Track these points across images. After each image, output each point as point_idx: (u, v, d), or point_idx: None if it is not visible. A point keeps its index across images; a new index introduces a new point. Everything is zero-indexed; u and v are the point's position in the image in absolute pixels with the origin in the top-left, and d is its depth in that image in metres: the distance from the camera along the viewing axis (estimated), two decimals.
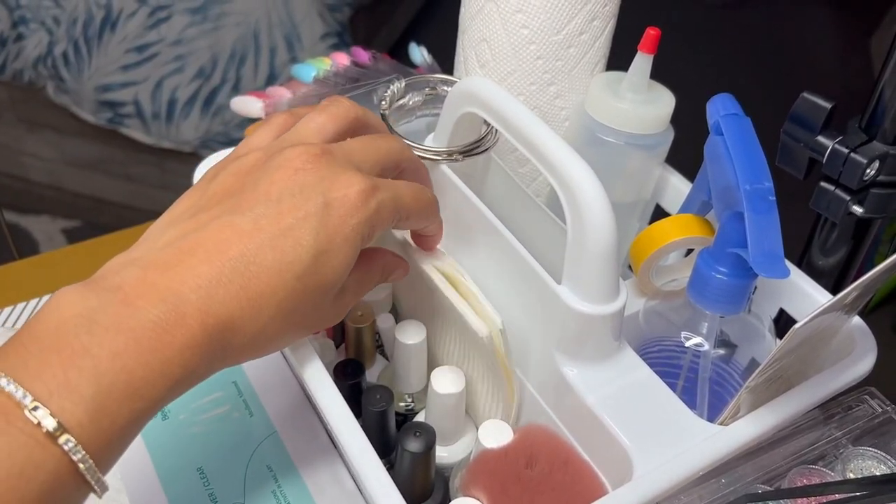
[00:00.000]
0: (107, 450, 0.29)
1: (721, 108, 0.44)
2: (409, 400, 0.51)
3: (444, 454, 0.47)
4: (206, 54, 1.42)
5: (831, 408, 0.48)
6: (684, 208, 0.50)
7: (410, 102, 0.52)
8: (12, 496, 0.26)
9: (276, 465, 0.47)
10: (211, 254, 0.32)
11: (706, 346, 0.45)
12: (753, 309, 0.46)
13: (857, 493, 0.40)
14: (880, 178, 0.47)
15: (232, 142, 1.55)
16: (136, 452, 0.47)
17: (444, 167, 0.47)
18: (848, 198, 0.47)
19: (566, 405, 0.42)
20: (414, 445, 0.42)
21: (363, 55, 0.55)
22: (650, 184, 0.53)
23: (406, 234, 0.46)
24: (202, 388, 0.51)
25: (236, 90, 1.45)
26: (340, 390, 0.45)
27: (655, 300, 0.49)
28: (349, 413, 0.39)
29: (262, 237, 0.33)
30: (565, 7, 0.48)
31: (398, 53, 0.59)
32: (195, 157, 1.53)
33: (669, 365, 0.46)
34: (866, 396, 0.48)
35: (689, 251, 0.52)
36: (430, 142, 0.49)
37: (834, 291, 0.47)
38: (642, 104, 0.48)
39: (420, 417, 0.50)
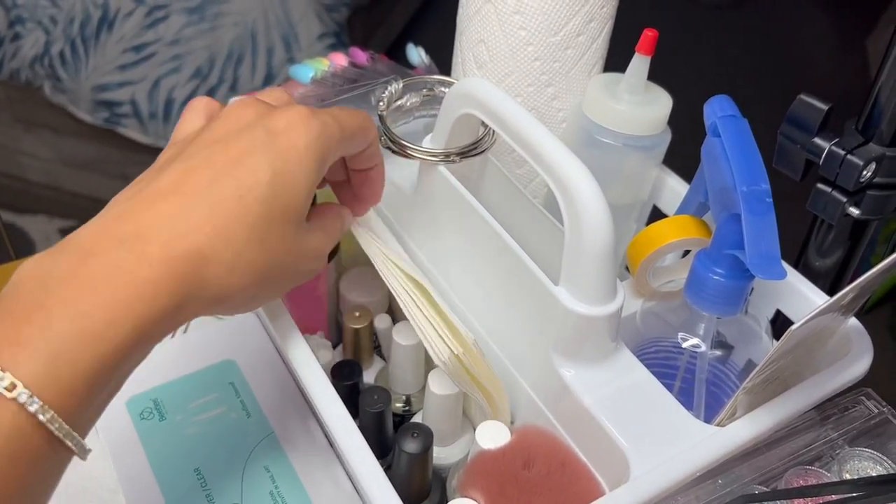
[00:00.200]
0: (72, 400, 0.28)
1: (718, 110, 0.44)
2: (407, 400, 0.51)
3: (442, 455, 0.47)
4: (203, 54, 1.42)
5: (828, 409, 0.48)
6: (681, 210, 0.50)
7: (408, 103, 0.52)
8: None
9: (274, 466, 0.47)
10: (167, 194, 0.32)
11: (703, 347, 0.45)
12: (750, 310, 0.46)
13: (854, 494, 0.40)
14: (877, 179, 0.47)
15: None
16: (133, 453, 0.47)
17: (442, 168, 0.47)
18: (844, 199, 0.47)
19: (563, 406, 0.43)
20: (411, 446, 0.42)
21: (361, 56, 0.55)
22: (647, 185, 0.54)
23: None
24: (199, 388, 0.51)
25: (233, 90, 1.45)
26: (338, 391, 0.45)
27: (652, 301, 0.49)
28: (347, 414, 0.39)
29: (215, 170, 0.33)
30: (563, 8, 0.48)
31: (396, 54, 0.59)
32: None
33: (666, 366, 0.46)
34: (862, 398, 0.48)
35: (686, 252, 0.52)
36: (427, 143, 0.49)
37: (831, 293, 0.47)
38: (639, 105, 0.48)
39: (417, 418, 0.50)
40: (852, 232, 0.50)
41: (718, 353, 0.46)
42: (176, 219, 0.32)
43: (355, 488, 0.46)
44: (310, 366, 0.41)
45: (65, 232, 1.46)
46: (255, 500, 0.45)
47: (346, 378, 0.47)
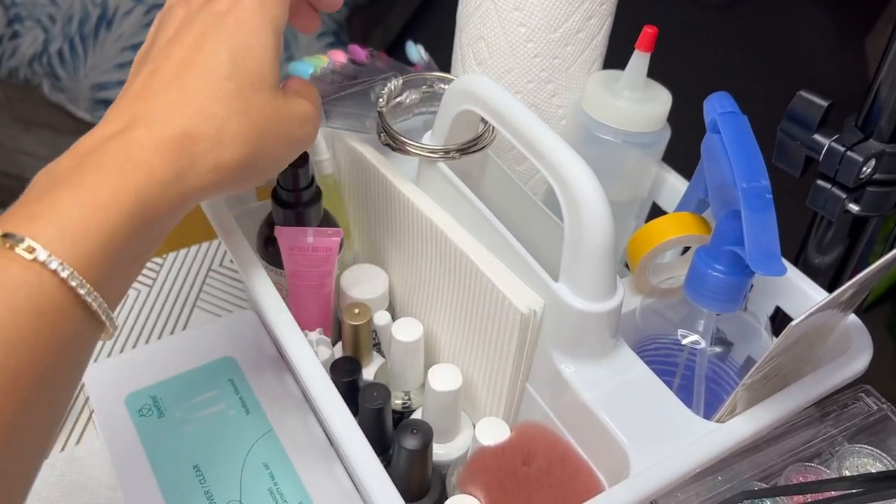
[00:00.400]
0: (89, 262, 0.30)
1: (718, 106, 0.44)
2: (406, 397, 0.50)
3: (441, 451, 0.47)
4: None
5: (827, 405, 0.48)
6: (681, 206, 0.50)
7: (408, 100, 0.52)
8: (9, 319, 0.28)
9: (273, 462, 0.47)
10: (143, 96, 0.35)
11: (703, 344, 0.45)
12: (750, 307, 0.46)
13: (853, 491, 0.40)
14: (876, 176, 0.47)
15: None
16: (132, 450, 0.47)
17: (441, 165, 0.47)
18: (844, 196, 0.47)
19: (563, 403, 0.43)
20: (411, 443, 0.42)
21: (360, 53, 0.55)
22: (647, 182, 0.54)
23: None
24: (198, 385, 0.51)
25: None
26: (337, 388, 0.45)
27: (652, 298, 0.49)
28: (346, 410, 0.39)
29: (177, 63, 0.36)
30: (562, 5, 0.48)
31: (395, 51, 0.59)
32: None
33: (666, 362, 0.46)
34: (862, 394, 0.49)
35: (686, 249, 0.52)
36: (427, 140, 0.49)
37: (830, 289, 0.47)
38: (639, 102, 0.48)
39: (417, 415, 0.50)
40: (852, 228, 0.50)
41: (718, 349, 0.46)
42: (156, 110, 0.34)
43: (355, 485, 0.46)
44: (309, 362, 0.41)
45: None
46: (254, 497, 0.45)
47: (345, 375, 0.47)
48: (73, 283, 0.29)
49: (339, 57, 0.54)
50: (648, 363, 0.43)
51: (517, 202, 0.48)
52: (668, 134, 0.51)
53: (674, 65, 0.53)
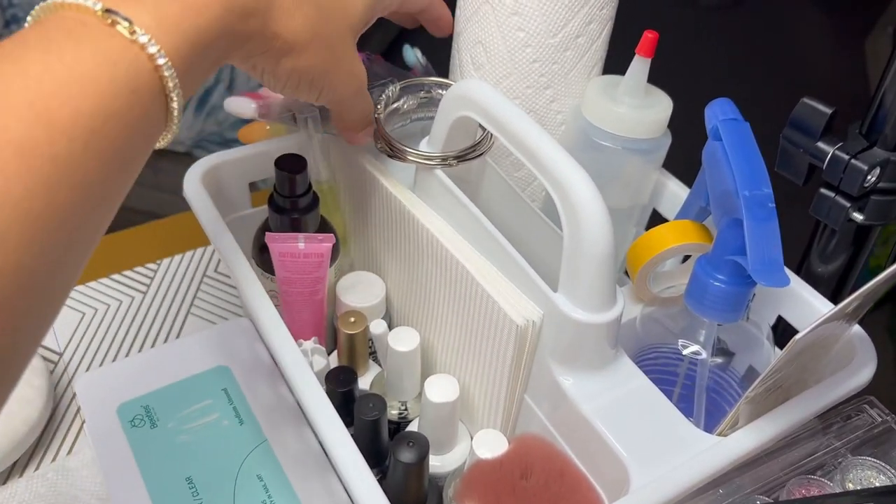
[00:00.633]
0: (177, 57, 0.31)
1: (719, 113, 0.43)
2: (403, 407, 0.50)
3: (438, 463, 0.47)
4: None
5: (830, 417, 0.47)
6: (682, 214, 0.49)
7: (405, 106, 0.51)
8: (107, 89, 0.29)
9: (267, 474, 0.46)
10: None
11: (704, 355, 0.44)
12: (752, 316, 0.45)
13: None
14: (881, 184, 0.47)
15: (226, 142, 1.54)
16: (123, 461, 0.46)
17: (439, 172, 0.46)
18: (848, 205, 0.47)
19: (562, 415, 0.42)
20: (407, 456, 0.41)
21: None
22: (647, 189, 0.53)
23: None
24: (191, 395, 0.50)
25: (230, 90, 1.44)
26: (332, 398, 0.45)
27: (653, 307, 0.48)
28: (340, 423, 0.39)
29: None
30: (562, 10, 0.47)
31: (392, 55, 0.58)
32: (189, 158, 1.51)
33: (666, 372, 0.46)
34: (865, 405, 0.48)
35: (687, 257, 0.51)
36: (424, 146, 0.48)
37: (833, 298, 0.46)
38: (639, 108, 0.48)
39: (414, 425, 0.49)
40: (856, 237, 0.49)
41: (719, 360, 0.45)
42: None
43: (350, 498, 0.46)
44: (302, 373, 0.40)
45: None
46: None
47: (340, 385, 0.46)
48: (166, 73, 0.31)
49: None
50: (648, 373, 0.43)
51: (516, 210, 0.47)
52: (668, 140, 0.50)
53: (675, 69, 0.53)
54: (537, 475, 0.40)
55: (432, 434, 0.45)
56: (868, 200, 0.47)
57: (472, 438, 0.44)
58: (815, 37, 0.84)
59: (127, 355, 0.61)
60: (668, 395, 0.43)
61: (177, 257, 0.70)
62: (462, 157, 0.46)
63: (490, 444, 0.43)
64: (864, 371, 0.43)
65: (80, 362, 0.60)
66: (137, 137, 0.31)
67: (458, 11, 0.52)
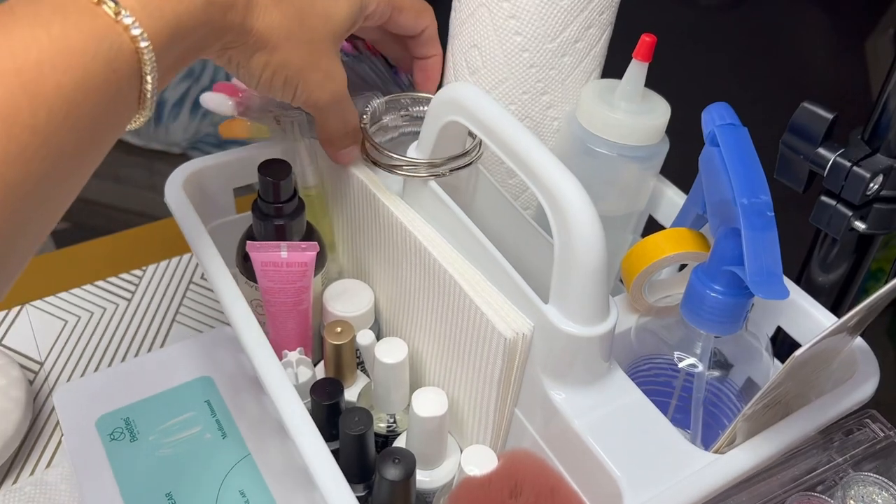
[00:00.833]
0: (157, 40, 0.32)
1: (717, 118, 0.42)
2: (392, 419, 0.48)
3: (427, 478, 0.45)
4: None
5: (831, 431, 0.46)
6: (678, 221, 0.48)
7: (391, 125, 0.50)
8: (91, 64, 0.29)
9: (250, 490, 0.45)
10: None
11: (700, 368, 0.43)
12: (750, 327, 0.44)
13: None
14: (884, 192, 0.45)
15: (220, 144, 1.53)
16: (101, 476, 0.45)
17: (431, 181, 0.45)
18: (850, 213, 0.45)
19: (553, 430, 0.40)
20: (392, 473, 0.39)
21: (345, 45, 0.53)
22: (644, 196, 0.51)
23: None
24: (173, 407, 0.49)
25: None
26: (317, 410, 0.43)
27: (648, 317, 0.47)
28: (321, 442, 0.37)
29: None
30: (560, 14, 0.46)
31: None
32: (184, 159, 1.50)
33: (661, 384, 0.44)
34: (867, 420, 0.46)
35: (683, 266, 0.50)
36: (412, 151, 0.46)
37: (834, 309, 0.45)
38: (636, 114, 0.46)
39: (403, 438, 0.47)
40: (857, 247, 0.48)
41: (717, 373, 0.44)
42: None
43: None
44: (282, 386, 0.39)
45: (56, 234, 1.44)
46: None
47: (326, 397, 0.45)
48: (146, 56, 0.31)
49: None
50: (643, 385, 0.41)
51: (508, 218, 0.46)
52: (666, 147, 0.49)
53: (671, 72, 0.51)
54: (527, 493, 0.38)
55: (420, 449, 0.43)
56: (870, 209, 0.46)
57: (461, 452, 0.43)
58: (815, 38, 0.83)
59: (110, 365, 0.60)
60: (664, 407, 0.42)
61: (163, 263, 0.68)
62: (454, 168, 0.45)
63: (479, 461, 0.42)
64: (866, 385, 0.42)
65: (62, 372, 0.59)
66: (111, 115, 0.32)
67: (453, 14, 0.51)
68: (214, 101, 0.48)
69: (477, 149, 0.46)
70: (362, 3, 0.44)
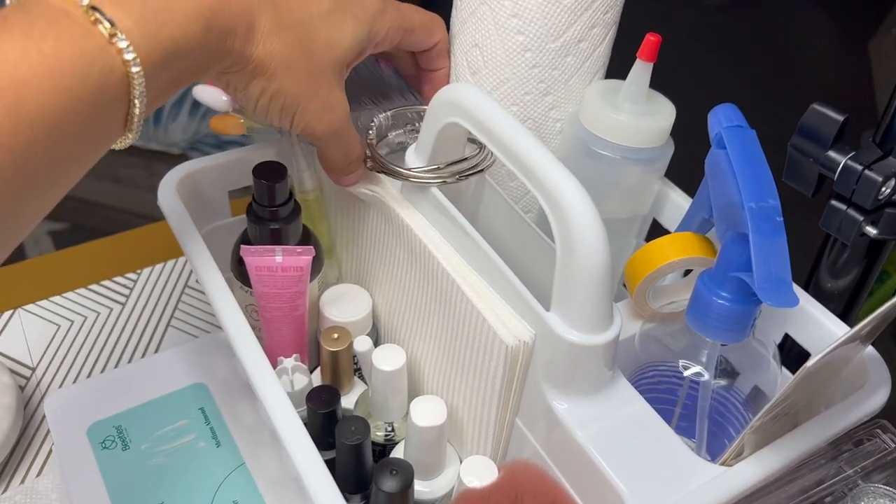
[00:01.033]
0: (150, 65, 0.32)
1: (724, 119, 0.41)
2: (390, 428, 0.47)
3: (425, 489, 0.44)
4: None
5: (840, 442, 0.45)
6: (683, 225, 0.47)
7: (395, 141, 0.49)
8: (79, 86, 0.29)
9: (244, 500, 0.44)
10: None
11: (706, 377, 0.42)
12: (757, 334, 0.43)
13: None
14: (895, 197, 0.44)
15: (220, 144, 1.52)
16: (92, 486, 0.44)
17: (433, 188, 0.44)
18: (861, 218, 0.44)
19: (555, 441, 0.39)
20: (389, 485, 0.38)
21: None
22: (648, 199, 0.50)
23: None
24: (166, 414, 0.48)
25: None
26: (313, 419, 0.42)
27: (652, 323, 0.46)
28: (315, 453, 0.36)
29: None
30: (564, 13, 0.45)
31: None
32: (183, 159, 1.49)
33: (666, 392, 0.43)
34: (878, 430, 0.45)
35: (689, 271, 0.49)
36: (411, 153, 0.45)
37: (843, 316, 0.44)
38: (641, 116, 0.45)
39: (401, 447, 0.46)
40: (868, 252, 0.47)
41: (723, 382, 0.43)
42: None
43: None
44: (273, 396, 0.38)
45: (55, 234, 1.44)
46: None
47: (322, 405, 0.44)
48: (136, 80, 0.31)
49: None
50: (647, 393, 0.40)
51: (510, 223, 0.45)
52: (671, 150, 0.47)
53: (677, 72, 0.50)
54: None
55: (418, 458, 0.42)
56: (882, 213, 0.44)
57: (461, 463, 0.42)
58: (817, 39, 0.82)
59: (103, 371, 0.59)
60: (668, 415, 0.41)
61: (158, 267, 0.67)
62: (462, 175, 0.44)
63: (479, 472, 0.41)
64: (877, 395, 0.41)
65: (54, 378, 0.58)
66: (96, 137, 0.31)
67: (454, 13, 0.50)
68: (207, 93, 0.47)
69: (488, 156, 0.45)
70: (370, 32, 0.43)
